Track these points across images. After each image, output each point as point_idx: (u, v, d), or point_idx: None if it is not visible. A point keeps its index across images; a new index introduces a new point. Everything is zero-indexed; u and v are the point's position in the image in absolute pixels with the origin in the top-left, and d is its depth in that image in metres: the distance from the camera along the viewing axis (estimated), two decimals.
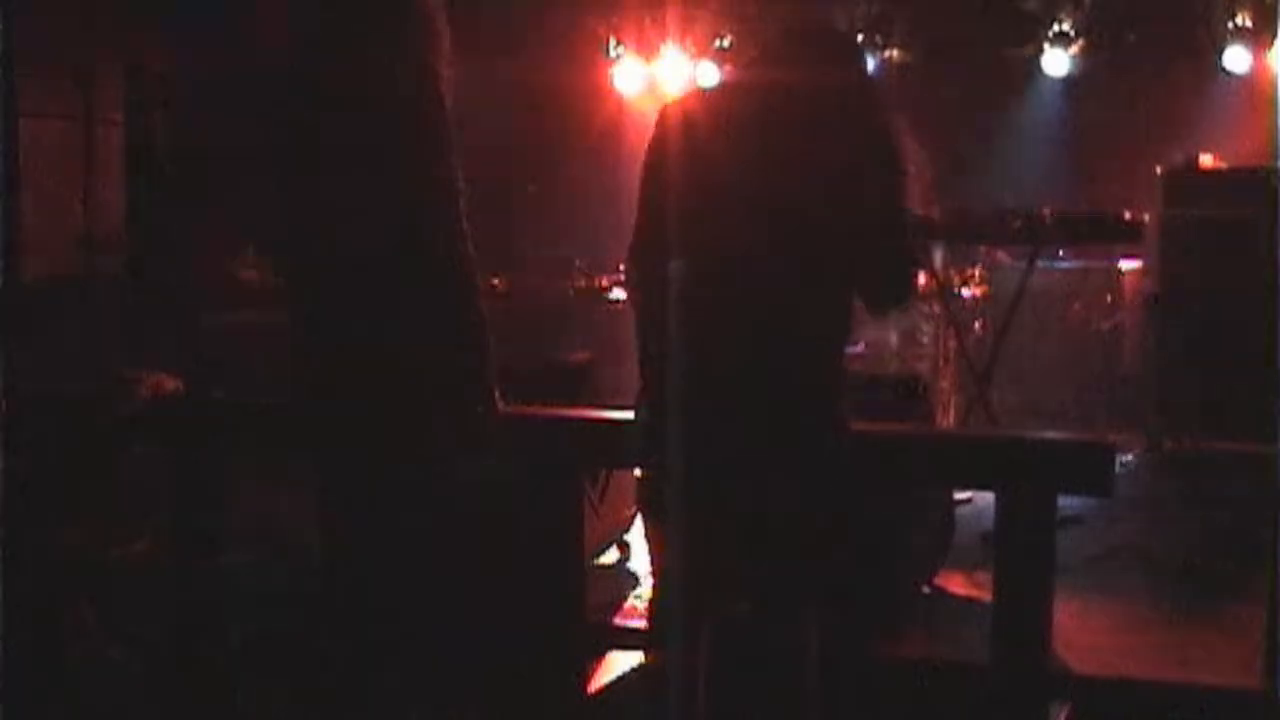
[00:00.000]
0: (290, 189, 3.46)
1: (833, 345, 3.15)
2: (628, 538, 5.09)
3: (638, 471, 3.46)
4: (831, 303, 3.13)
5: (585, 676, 4.22)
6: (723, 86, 3.30)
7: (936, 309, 7.01)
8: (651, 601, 3.40)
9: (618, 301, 7.50)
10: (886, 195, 3.09)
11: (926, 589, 4.78)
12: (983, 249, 7.56)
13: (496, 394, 3.52)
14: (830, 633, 3.31)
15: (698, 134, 3.14)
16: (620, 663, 4.26)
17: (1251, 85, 8.74)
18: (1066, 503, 4.13)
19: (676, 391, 3.15)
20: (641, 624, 3.76)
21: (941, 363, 7.23)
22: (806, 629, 3.18)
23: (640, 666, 3.74)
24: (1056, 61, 9.35)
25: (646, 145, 3.26)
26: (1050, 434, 4.17)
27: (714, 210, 3.08)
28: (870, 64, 3.39)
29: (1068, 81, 9.45)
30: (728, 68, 3.22)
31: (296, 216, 3.46)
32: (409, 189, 3.32)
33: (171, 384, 4.94)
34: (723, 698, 3.26)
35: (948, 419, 6.86)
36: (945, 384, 7.18)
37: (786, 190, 3.03)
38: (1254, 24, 8.72)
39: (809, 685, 3.16)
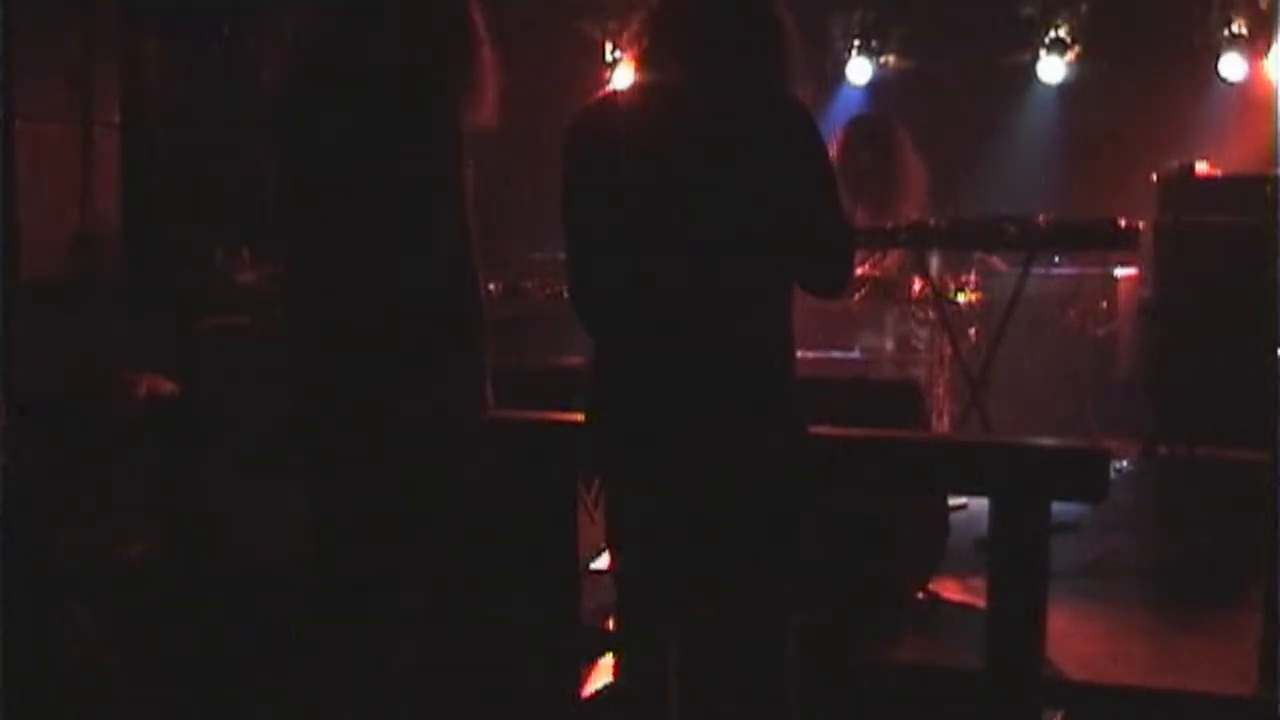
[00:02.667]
0: (297, 187, 3.49)
1: (776, 342, 3.12)
2: None
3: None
4: (770, 297, 3.09)
5: (579, 681, 4.22)
6: (639, 85, 3.20)
7: (932, 315, 7.01)
8: (616, 612, 3.37)
9: None
10: (814, 171, 3.06)
11: (920, 594, 4.78)
12: (978, 255, 7.56)
13: (489, 391, 3.53)
14: (818, 638, 3.30)
15: (625, 137, 3.10)
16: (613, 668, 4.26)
17: (1247, 93, 8.76)
18: (1061, 509, 4.13)
19: (625, 398, 3.13)
20: None
21: (936, 369, 7.23)
22: (779, 632, 3.17)
23: (610, 684, 3.73)
24: (1052, 68, 9.35)
25: (570, 153, 3.18)
26: (1045, 440, 4.16)
27: (654, 214, 3.05)
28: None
29: (1063, 88, 9.45)
30: (628, 73, 3.13)
31: (303, 213, 3.48)
32: (417, 188, 3.34)
33: (168, 386, 4.95)
34: (695, 707, 3.25)
35: (943, 425, 6.86)
36: (940, 390, 7.18)
37: (719, 189, 3.00)
38: (1250, 31, 8.73)
39: (786, 691, 3.15)
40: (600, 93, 3.24)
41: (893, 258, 7.18)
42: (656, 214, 3.03)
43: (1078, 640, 4.35)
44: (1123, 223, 6.11)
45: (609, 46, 9.66)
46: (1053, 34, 9.29)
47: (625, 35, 3.21)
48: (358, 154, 3.38)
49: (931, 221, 6.40)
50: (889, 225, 6.43)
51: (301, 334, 3.54)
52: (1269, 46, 8.64)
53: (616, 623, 3.33)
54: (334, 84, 3.44)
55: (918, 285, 6.94)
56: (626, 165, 3.07)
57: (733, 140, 3.01)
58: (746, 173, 2.99)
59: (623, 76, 9.54)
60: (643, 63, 3.18)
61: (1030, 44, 9.42)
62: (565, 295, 3.28)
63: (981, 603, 3.93)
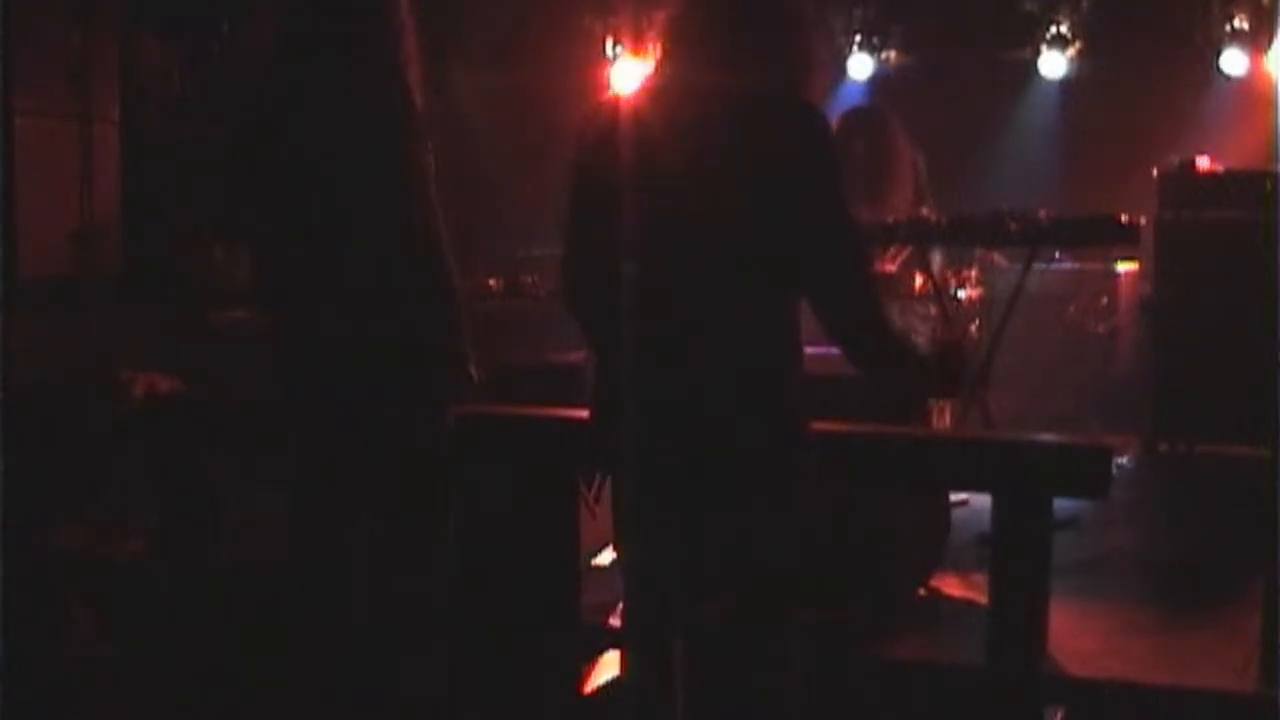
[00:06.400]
0: (267, 175, 3.53)
1: (780, 346, 3.10)
2: None
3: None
4: (773, 307, 3.07)
5: (580, 678, 4.22)
6: (654, 85, 3.18)
7: (933, 310, 7.01)
8: (622, 611, 3.36)
9: None
10: (829, 194, 3.00)
11: (922, 591, 4.78)
12: (979, 251, 7.56)
13: (473, 370, 3.55)
14: (820, 635, 3.29)
15: (633, 136, 3.08)
16: (615, 664, 4.25)
17: (1249, 88, 8.75)
18: (1062, 505, 4.13)
19: (627, 396, 3.11)
20: None
21: None
22: (783, 629, 3.16)
23: (615, 679, 3.72)
24: (1054, 64, 9.36)
25: (578, 148, 3.15)
26: (1046, 436, 4.16)
27: (655, 215, 3.03)
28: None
29: (1065, 84, 9.45)
30: (655, 64, 3.13)
31: (275, 199, 3.52)
32: (379, 170, 3.38)
33: (166, 384, 4.95)
34: (701, 705, 3.24)
35: (944, 421, 6.86)
36: None
37: (723, 193, 2.97)
38: (1251, 27, 8.73)
39: (790, 690, 3.15)
40: (613, 92, 3.21)
41: (894, 253, 7.18)
42: (657, 216, 3.02)
43: (1078, 636, 4.34)
44: (1124, 218, 6.11)
45: (610, 42, 9.64)
46: (1054, 29, 9.30)
47: (653, 31, 3.19)
48: (318, 155, 3.45)
49: (933, 217, 6.39)
50: (890, 220, 6.42)
51: (281, 332, 3.57)
52: (1270, 42, 8.64)
53: (621, 618, 3.32)
54: (291, 93, 3.52)
55: (919, 281, 6.94)
56: (631, 166, 3.06)
57: (737, 148, 2.99)
58: (750, 181, 2.97)
59: (621, 72, 9.56)
60: (661, 63, 3.17)
61: (1032, 39, 9.42)
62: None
63: (982, 599, 3.93)
